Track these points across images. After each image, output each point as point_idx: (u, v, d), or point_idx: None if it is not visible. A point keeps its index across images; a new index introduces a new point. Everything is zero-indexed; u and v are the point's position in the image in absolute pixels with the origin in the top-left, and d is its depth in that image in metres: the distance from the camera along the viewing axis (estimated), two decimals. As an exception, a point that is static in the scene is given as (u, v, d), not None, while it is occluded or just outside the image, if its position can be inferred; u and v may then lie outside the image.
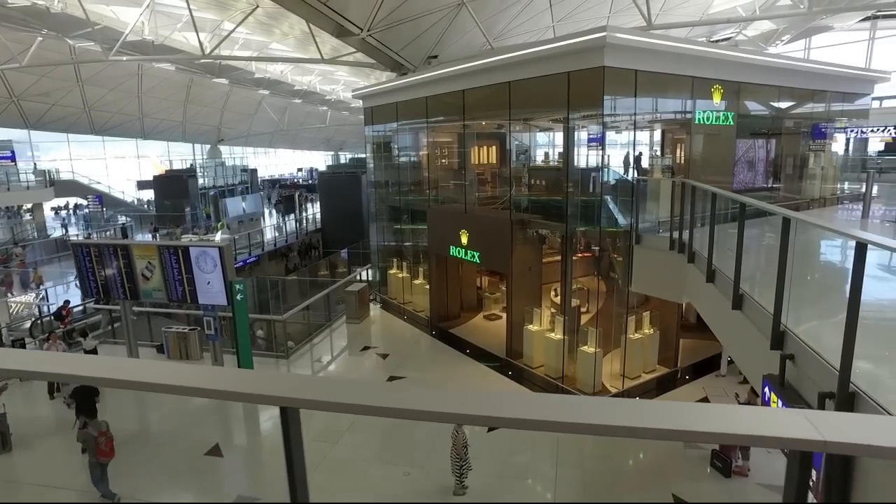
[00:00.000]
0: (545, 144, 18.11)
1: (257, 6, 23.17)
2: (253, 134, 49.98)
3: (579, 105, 11.18)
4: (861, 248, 3.72)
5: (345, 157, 65.61)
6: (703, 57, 11.44)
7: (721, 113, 12.24)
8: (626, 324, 11.97)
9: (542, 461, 9.46)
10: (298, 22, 25.84)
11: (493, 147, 17.37)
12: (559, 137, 17.09)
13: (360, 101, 22.24)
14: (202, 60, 29.52)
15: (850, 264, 3.81)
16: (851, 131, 17.38)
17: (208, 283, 12.45)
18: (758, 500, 8.30)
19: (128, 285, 13.08)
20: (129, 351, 13.92)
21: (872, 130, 25.02)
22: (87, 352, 12.70)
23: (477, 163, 16.41)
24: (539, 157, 17.74)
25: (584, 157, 12.09)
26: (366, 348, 14.95)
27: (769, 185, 15.05)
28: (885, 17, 26.83)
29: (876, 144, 28.65)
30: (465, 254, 14.62)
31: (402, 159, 18.14)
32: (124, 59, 23.67)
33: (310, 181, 57.15)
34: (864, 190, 17.46)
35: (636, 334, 12.33)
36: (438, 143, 17.23)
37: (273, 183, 52.04)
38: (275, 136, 53.57)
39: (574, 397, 1.43)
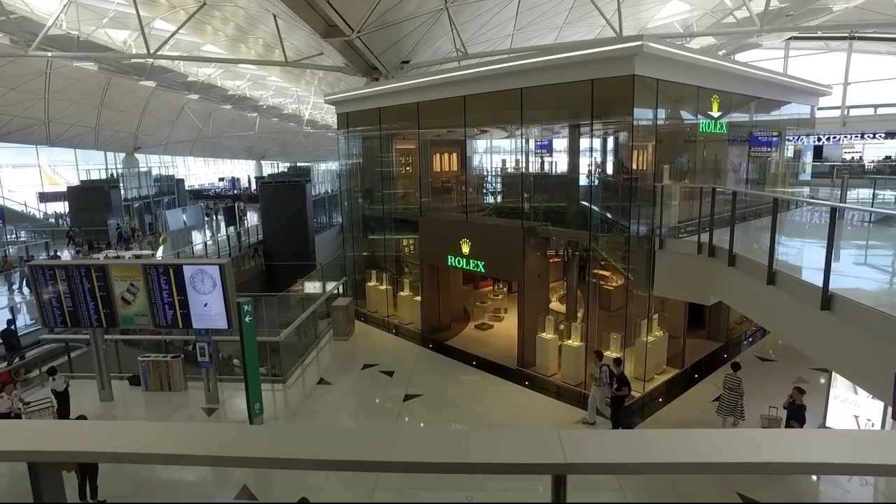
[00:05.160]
0: (559, 151, 18.15)
1: (204, 3, 21.51)
2: (173, 142, 46.48)
3: (604, 113, 11.26)
4: None
5: (275, 166, 62.89)
6: (714, 69, 11.95)
7: (719, 122, 12.85)
8: (649, 326, 12.19)
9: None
10: (233, 15, 24.41)
11: (498, 155, 17.19)
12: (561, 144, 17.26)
13: (285, 108, 21.25)
14: (133, 60, 27.13)
15: None
16: (810, 138, 19.00)
17: (205, 304, 11.22)
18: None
19: (104, 311, 11.48)
20: (100, 384, 12.23)
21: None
22: (57, 393, 10.95)
23: (477, 170, 16.13)
24: (546, 165, 17.77)
25: (599, 165, 12.25)
26: (367, 366, 14.13)
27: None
28: (797, 38, 29.81)
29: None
30: (467, 263, 14.28)
31: (387, 167, 17.45)
32: (49, 55, 21.03)
33: (234, 192, 54.25)
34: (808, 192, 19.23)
35: (650, 337, 12.58)
36: (431, 150, 16.77)
37: (196, 194, 48.63)
38: (196, 144, 50.18)
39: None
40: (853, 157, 34.16)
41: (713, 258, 9.99)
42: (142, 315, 11.47)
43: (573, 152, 13.22)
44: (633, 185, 11.47)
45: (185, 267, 11.14)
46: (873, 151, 33.87)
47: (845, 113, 29.96)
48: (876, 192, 14.50)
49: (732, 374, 10.67)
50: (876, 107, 30.47)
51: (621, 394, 10.46)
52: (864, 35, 28.70)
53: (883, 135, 29.76)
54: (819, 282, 6.87)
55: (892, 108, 30.33)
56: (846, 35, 28.48)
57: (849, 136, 29.78)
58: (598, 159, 12.28)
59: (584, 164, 13.25)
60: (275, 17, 17.18)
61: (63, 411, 10.76)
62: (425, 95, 14.74)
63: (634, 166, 11.79)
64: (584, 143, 12.64)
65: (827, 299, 6.79)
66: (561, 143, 17.60)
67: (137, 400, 12.53)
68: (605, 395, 10.91)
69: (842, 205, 8.22)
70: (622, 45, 10.18)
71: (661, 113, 11.80)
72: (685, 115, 12.72)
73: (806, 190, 19.13)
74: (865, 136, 29.57)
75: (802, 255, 9.51)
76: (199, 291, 11.17)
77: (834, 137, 30.00)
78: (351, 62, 17.66)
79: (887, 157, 32.79)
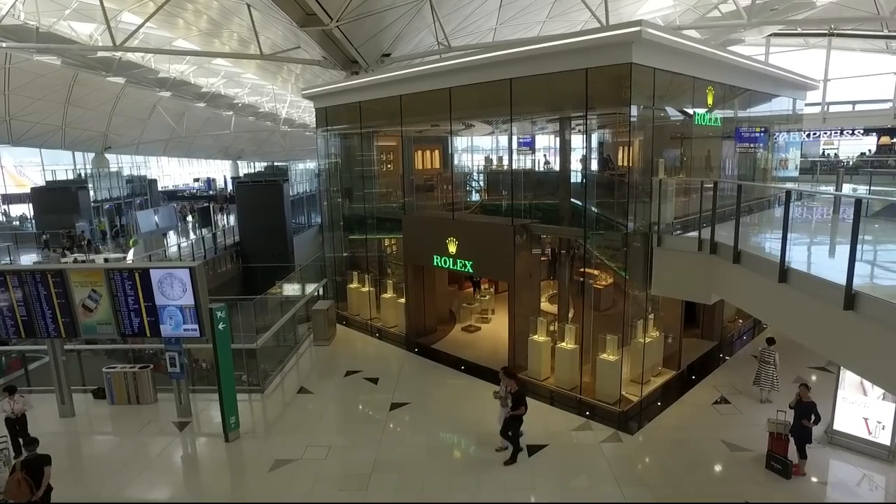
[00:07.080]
0: (550, 145, 17.62)
1: (174, -5, 20.52)
2: (145, 141, 44.96)
3: (598, 104, 10.72)
4: None
5: (252, 166, 61.48)
6: (712, 58, 11.50)
7: (713, 115, 12.43)
8: (644, 326, 11.70)
9: (601, 483, 8.77)
10: (206, 8, 23.46)
11: (484, 151, 16.58)
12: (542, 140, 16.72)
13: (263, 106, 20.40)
14: (99, 54, 25.94)
15: None
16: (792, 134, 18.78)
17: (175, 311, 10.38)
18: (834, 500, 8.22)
19: (62, 320, 10.57)
20: (59, 399, 11.28)
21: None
22: (10, 420, 9.87)
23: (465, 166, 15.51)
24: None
25: (592, 158, 11.73)
26: (350, 373, 13.40)
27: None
28: (778, 34, 29.87)
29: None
30: (454, 263, 13.65)
31: (368, 164, 16.70)
32: (3, 45, 19.79)
33: (210, 192, 52.94)
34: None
35: (647, 338, 12.09)
36: (414, 146, 16.08)
37: (170, 195, 47.18)
38: (169, 143, 48.69)
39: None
40: (827, 154, 34.58)
41: (715, 255, 9.53)
42: (105, 323, 10.59)
43: (564, 146, 12.69)
44: (629, 179, 10.95)
45: (152, 271, 10.29)
46: (849, 148, 34.20)
47: (825, 109, 30.13)
48: (852, 186, 14.21)
49: (767, 349, 11.23)
50: (854, 103, 30.76)
51: (518, 413, 9.23)
52: (842, 32, 28.87)
53: (861, 131, 30.03)
54: (838, 279, 6.41)
55: (869, 105, 30.64)
56: (826, 31, 28.62)
57: (828, 133, 29.98)
58: (592, 153, 11.72)
59: (576, 159, 12.74)
60: (249, 7, 16.36)
61: (15, 439, 9.65)
62: (409, 88, 14.04)
63: (628, 160, 11.26)
64: (577, 136, 12.12)
65: (851, 298, 6.31)
66: (552, 138, 17.11)
67: (102, 415, 11.61)
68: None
69: (870, 196, 7.76)
70: (619, 31, 9.63)
71: (658, 104, 11.34)
72: (680, 107, 12.26)
73: (792, 185, 18.89)
74: (844, 132, 29.79)
75: (813, 252, 9.13)
76: (168, 297, 10.33)
77: (814, 134, 30.17)
78: (329, 55, 16.89)
79: (862, 154, 33.18)
